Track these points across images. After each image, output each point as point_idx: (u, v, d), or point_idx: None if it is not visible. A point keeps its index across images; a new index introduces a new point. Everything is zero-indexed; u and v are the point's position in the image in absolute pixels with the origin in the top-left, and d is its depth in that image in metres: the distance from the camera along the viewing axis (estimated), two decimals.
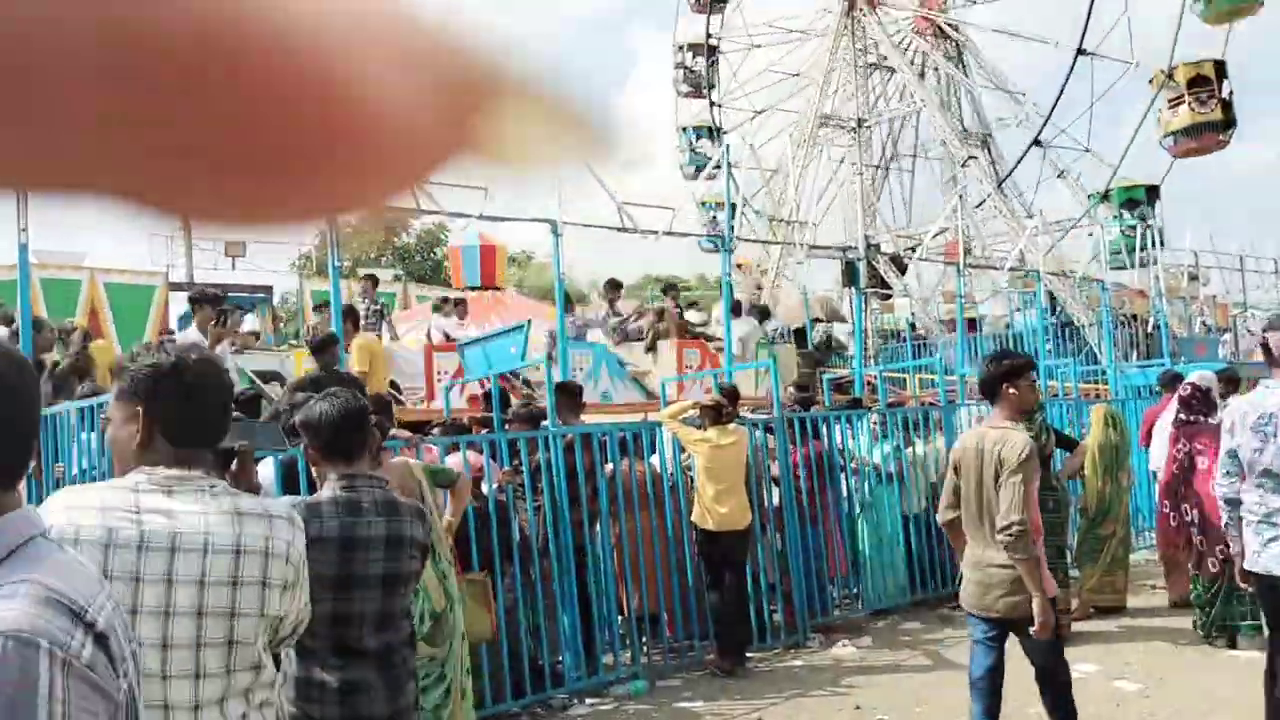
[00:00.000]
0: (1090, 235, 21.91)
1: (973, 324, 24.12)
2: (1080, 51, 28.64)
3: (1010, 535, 4.17)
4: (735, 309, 12.56)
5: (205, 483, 1.87)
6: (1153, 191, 27.91)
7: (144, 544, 1.77)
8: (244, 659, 1.80)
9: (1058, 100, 29.59)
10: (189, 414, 1.91)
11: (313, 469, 2.90)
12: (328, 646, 2.63)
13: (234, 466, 3.32)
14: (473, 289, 15.40)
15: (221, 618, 1.77)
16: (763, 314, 14.60)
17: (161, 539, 1.78)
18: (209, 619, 1.77)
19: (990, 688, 4.57)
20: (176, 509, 1.81)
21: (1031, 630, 4.22)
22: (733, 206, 12.00)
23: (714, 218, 24.25)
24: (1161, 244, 26.07)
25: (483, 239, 15.99)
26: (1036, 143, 29.95)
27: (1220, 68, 26.15)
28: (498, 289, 15.80)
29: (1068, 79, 28.98)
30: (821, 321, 18.66)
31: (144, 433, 1.89)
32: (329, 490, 2.75)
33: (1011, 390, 4.51)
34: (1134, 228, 25.11)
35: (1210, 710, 5.48)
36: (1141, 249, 22.75)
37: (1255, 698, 5.64)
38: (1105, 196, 27.66)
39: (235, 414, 2.17)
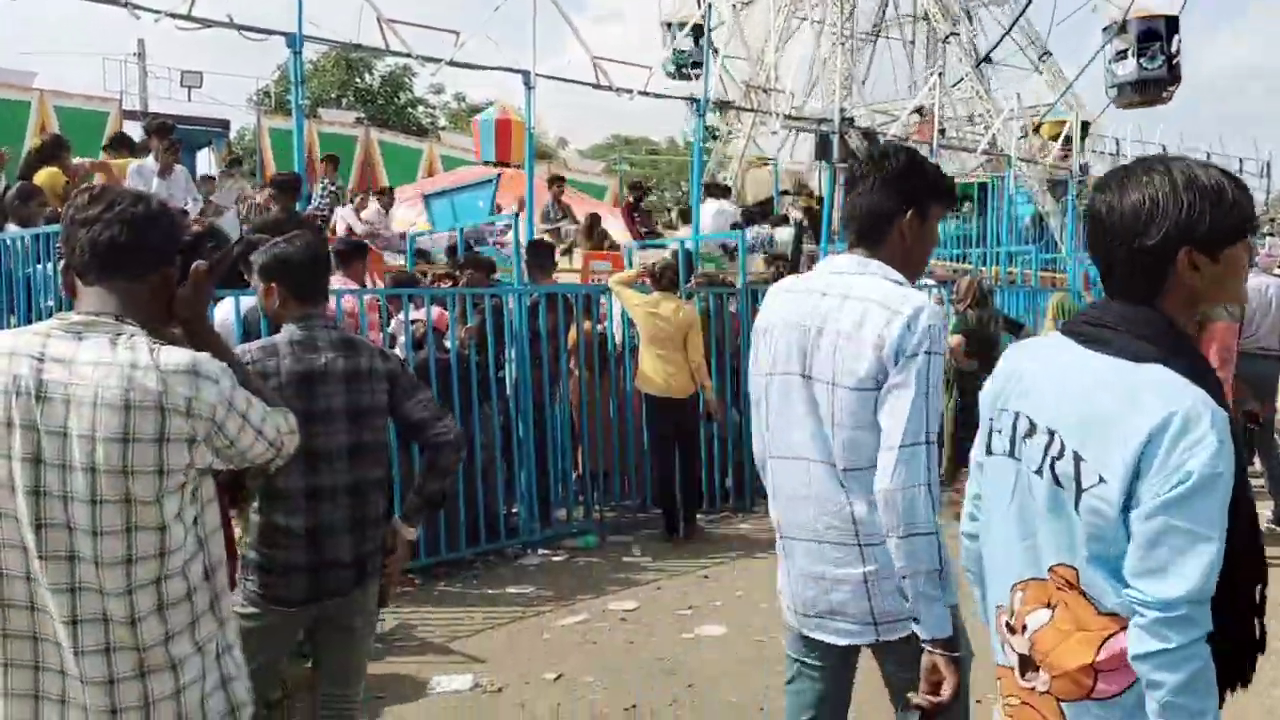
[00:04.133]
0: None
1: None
2: None
3: None
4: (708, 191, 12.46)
5: (114, 329, 1.79)
6: (1172, 23, 27.08)
7: (43, 393, 1.73)
8: (145, 518, 1.75)
9: None
10: (79, 244, 1.85)
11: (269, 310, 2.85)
12: (300, 489, 2.66)
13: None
14: (488, 164, 14.93)
15: (115, 475, 1.72)
16: (723, 192, 14.50)
17: (57, 389, 1.73)
18: (102, 475, 1.72)
19: None
20: (78, 358, 1.75)
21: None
22: (710, 57, 11.70)
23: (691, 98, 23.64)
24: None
25: (502, 113, 15.43)
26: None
27: (1172, 22, 25.69)
28: (514, 166, 15.16)
29: None
30: (790, 195, 18.54)
31: (66, 272, 1.90)
32: (285, 332, 2.76)
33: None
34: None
35: None
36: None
37: None
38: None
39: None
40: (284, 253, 2.76)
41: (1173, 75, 25.92)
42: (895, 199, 2.20)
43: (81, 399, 1.72)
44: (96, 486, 1.72)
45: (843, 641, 2.24)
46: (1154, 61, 25.46)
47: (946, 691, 2.03)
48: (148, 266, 1.87)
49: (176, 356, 1.78)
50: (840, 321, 2.12)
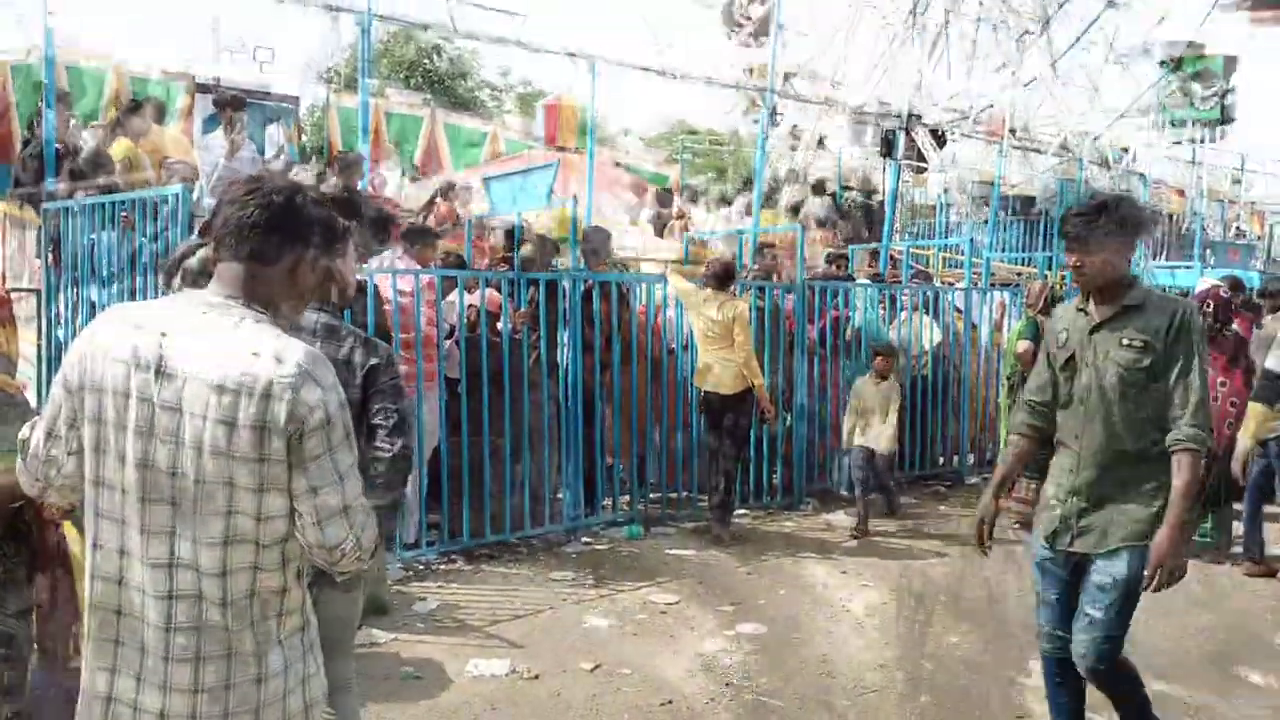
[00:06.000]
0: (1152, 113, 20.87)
1: (1028, 203, 23.45)
2: None
3: None
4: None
5: (240, 312, 1.80)
6: (1230, 63, 26.26)
7: (162, 368, 1.74)
8: (244, 504, 1.74)
9: None
10: (222, 221, 1.87)
11: None
12: None
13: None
14: (559, 149, 14.63)
15: (220, 457, 1.72)
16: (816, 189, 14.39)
17: (176, 365, 1.74)
18: (208, 456, 1.72)
19: None
20: (200, 336, 1.76)
21: None
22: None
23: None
24: (1232, 119, 25.16)
25: (555, 98, 15.19)
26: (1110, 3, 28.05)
27: None
28: (568, 150, 14.75)
29: None
30: (852, 190, 18.32)
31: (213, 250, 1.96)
32: None
33: None
34: (1208, 100, 24.05)
35: (1186, 609, 5.57)
36: (1221, 123, 21.99)
37: (1220, 602, 5.77)
38: (1177, 66, 26.09)
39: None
40: None
41: None
42: None
43: (197, 377, 1.73)
44: (202, 466, 1.73)
45: None
46: None
47: None
48: (277, 252, 1.86)
49: (296, 350, 1.76)
50: None
